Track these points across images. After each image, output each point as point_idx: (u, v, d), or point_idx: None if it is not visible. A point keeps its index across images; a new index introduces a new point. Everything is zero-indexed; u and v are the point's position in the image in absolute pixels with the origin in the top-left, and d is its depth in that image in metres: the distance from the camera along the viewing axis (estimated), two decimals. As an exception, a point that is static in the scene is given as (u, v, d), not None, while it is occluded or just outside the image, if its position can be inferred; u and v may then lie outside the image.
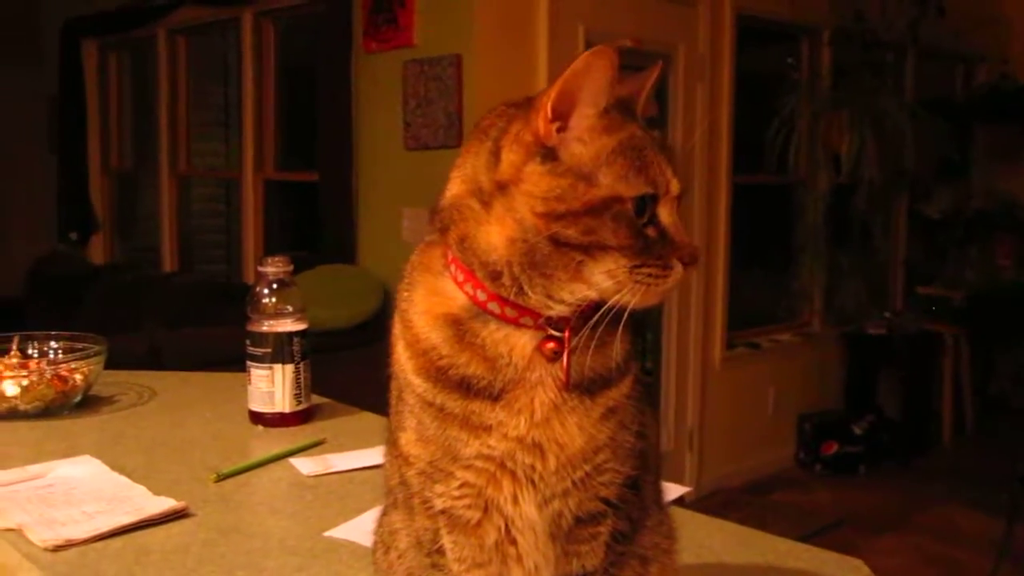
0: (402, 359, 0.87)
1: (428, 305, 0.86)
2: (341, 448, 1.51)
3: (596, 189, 0.80)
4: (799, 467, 5.65)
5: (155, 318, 4.81)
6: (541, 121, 0.81)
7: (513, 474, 0.84)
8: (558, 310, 0.82)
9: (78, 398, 1.74)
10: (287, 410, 1.62)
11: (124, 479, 1.35)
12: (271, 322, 1.59)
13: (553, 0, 4.21)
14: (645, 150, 0.82)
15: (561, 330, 0.83)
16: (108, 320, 5.03)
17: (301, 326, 1.62)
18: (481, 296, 0.83)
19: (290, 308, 1.61)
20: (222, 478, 1.37)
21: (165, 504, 1.25)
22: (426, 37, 4.27)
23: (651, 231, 0.81)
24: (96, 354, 1.76)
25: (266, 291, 1.60)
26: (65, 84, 6.57)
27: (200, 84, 6.26)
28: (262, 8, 5.32)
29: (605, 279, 0.80)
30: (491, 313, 0.83)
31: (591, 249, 0.79)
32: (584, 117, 0.82)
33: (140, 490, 1.31)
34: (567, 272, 0.81)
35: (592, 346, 0.82)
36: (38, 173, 6.80)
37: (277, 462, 1.45)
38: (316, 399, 1.71)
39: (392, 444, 0.90)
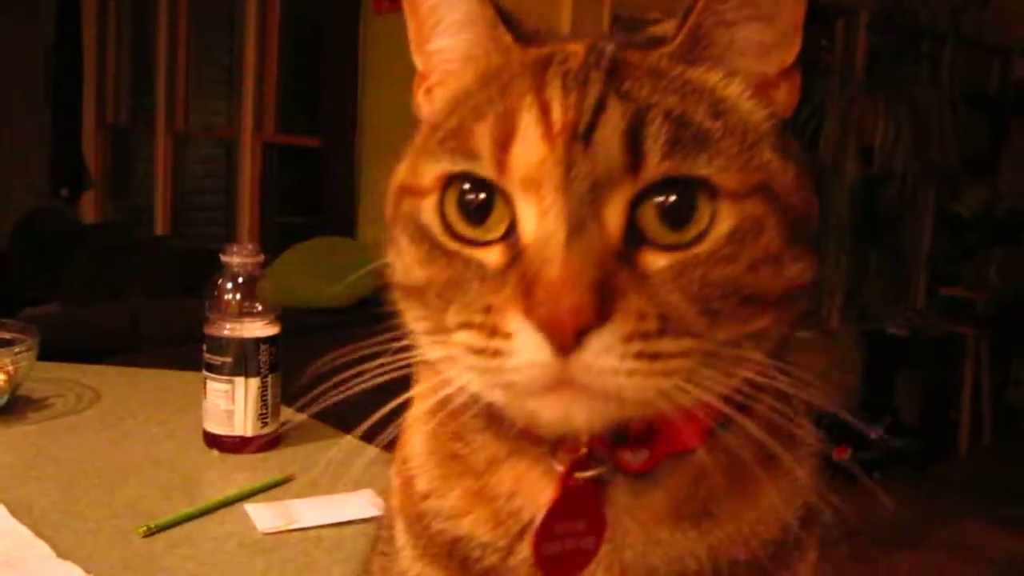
0: (393, 484, 0.55)
1: (423, 389, 0.52)
2: (312, 488, 1.20)
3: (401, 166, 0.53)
4: (810, 471, 5.39)
5: (140, 284, 4.55)
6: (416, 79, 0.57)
7: None
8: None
9: (2, 400, 1.45)
10: (249, 433, 1.32)
11: (24, 531, 1.04)
12: (234, 324, 1.30)
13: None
14: (487, 100, 0.48)
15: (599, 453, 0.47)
16: (93, 284, 4.78)
17: (272, 330, 1.32)
18: None
19: (259, 307, 1.31)
20: (152, 532, 1.07)
21: (65, 576, 0.94)
22: (442, -3, 3.97)
23: (491, 255, 0.45)
24: (26, 348, 1.46)
25: (229, 286, 1.31)
26: (61, 33, 6.24)
27: (205, 39, 5.96)
28: (269, -40, 5.02)
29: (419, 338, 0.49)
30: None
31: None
32: (439, 54, 0.54)
33: (41, 549, 0.99)
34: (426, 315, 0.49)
35: (700, 491, 0.47)
36: (33, 127, 6.47)
37: (229, 507, 1.16)
38: (288, 414, 1.42)
39: None
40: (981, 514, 4.54)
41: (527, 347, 0.42)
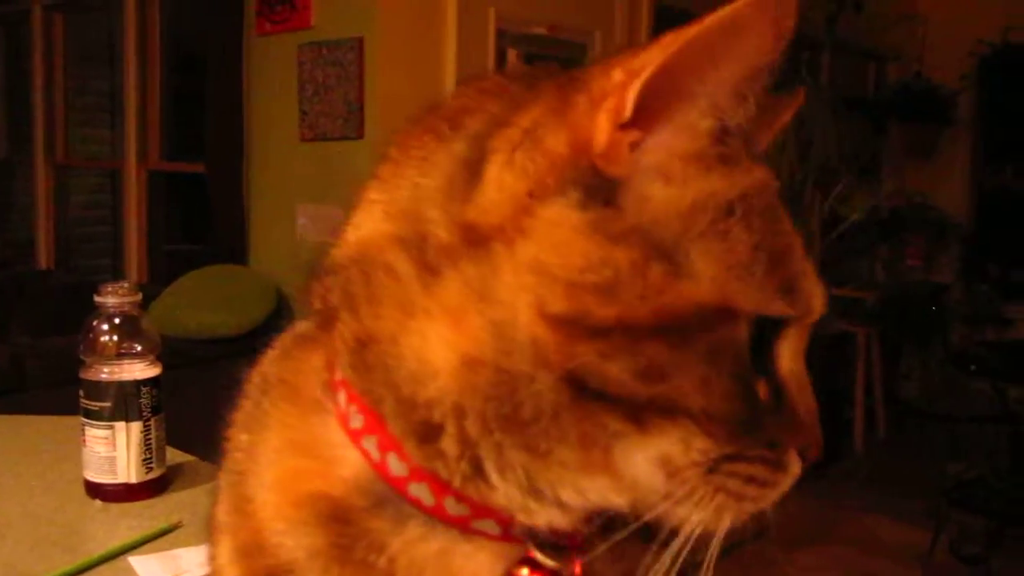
0: (227, 575, 0.48)
1: (285, 471, 0.47)
2: (202, 535, 1.17)
3: (689, 283, 0.40)
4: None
5: (24, 322, 4.39)
6: (601, 119, 0.42)
7: None
8: (548, 517, 0.43)
9: None
10: (133, 480, 1.26)
11: None
12: (112, 368, 1.24)
13: (464, -19, 3.91)
14: (782, 223, 0.44)
15: (558, 552, 0.44)
16: (-27, 324, 4.60)
17: (153, 371, 1.26)
18: (396, 466, 0.44)
19: (138, 348, 1.26)
20: (30, 594, 1.02)
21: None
22: (325, 18, 3.92)
23: (762, 388, 0.42)
24: None
25: (105, 327, 1.25)
26: (-71, 63, 6.02)
27: (83, 66, 5.80)
28: (146, -17, 4.91)
29: (654, 473, 0.41)
30: (414, 502, 0.44)
31: (645, 411, 0.40)
32: (687, 131, 0.42)
33: (-95, 622, 0.95)
34: (583, 451, 0.40)
35: None
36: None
37: (113, 561, 1.10)
38: (175, 455, 1.37)
39: None
40: (881, 508, 4.65)
41: (791, 478, 0.44)
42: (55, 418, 1.60)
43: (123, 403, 1.25)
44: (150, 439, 1.27)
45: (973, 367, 4.46)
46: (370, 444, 0.45)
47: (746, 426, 0.42)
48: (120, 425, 1.25)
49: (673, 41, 0.41)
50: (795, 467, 0.45)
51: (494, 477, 0.42)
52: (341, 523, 0.45)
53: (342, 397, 0.46)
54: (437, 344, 0.41)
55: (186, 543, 1.15)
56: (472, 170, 0.43)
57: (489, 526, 0.44)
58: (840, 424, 5.70)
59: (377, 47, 3.75)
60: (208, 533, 0.53)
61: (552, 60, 4.63)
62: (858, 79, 6.63)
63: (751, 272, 0.42)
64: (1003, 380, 4.18)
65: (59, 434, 1.53)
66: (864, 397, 5.81)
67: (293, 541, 0.46)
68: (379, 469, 0.45)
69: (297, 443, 0.48)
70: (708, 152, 0.44)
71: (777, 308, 0.43)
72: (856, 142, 5.73)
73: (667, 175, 0.43)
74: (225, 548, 0.50)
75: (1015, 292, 6.18)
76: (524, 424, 0.40)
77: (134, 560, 1.11)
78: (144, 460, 1.27)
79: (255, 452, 0.49)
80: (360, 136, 3.76)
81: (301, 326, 0.52)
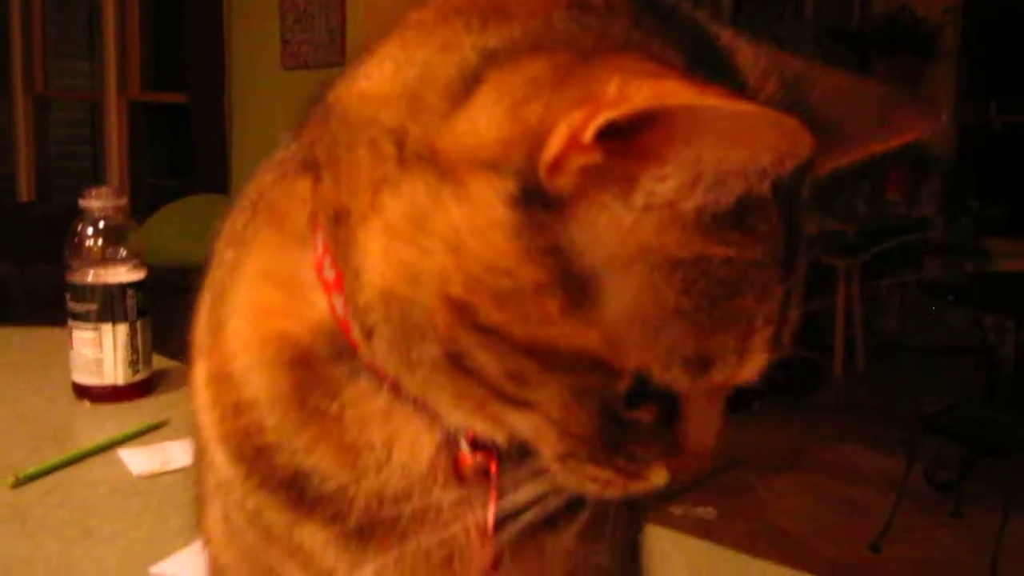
0: (201, 397, 0.49)
1: (257, 305, 0.47)
2: (187, 431, 1.19)
3: (580, 328, 0.38)
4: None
5: (7, 252, 4.39)
6: (561, 128, 0.36)
7: None
8: (455, 423, 0.45)
9: None
10: (120, 382, 1.29)
11: None
12: (98, 270, 1.26)
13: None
14: (741, 299, 0.39)
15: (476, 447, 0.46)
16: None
17: (138, 275, 1.28)
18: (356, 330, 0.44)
19: (123, 253, 1.28)
20: (22, 482, 1.04)
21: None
22: (305, -56, 3.88)
23: (644, 414, 0.42)
24: None
25: (90, 231, 1.26)
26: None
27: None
28: (123, -91, 4.84)
29: (526, 430, 0.42)
30: (368, 363, 0.45)
31: (510, 400, 0.41)
32: (658, 181, 0.37)
33: (-98, 504, 0.98)
34: (464, 400, 0.42)
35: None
36: None
37: (101, 455, 1.13)
38: (161, 361, 1.39)
39: (197, 520, 0.55)
40: (857, 437, 4.71)
41: (646, 487, 0.44)
42: (41, 329, 1.62)
43: (109, 305, 1.27)
44: (136, 341, 1.30)
45: (951, 297, 4.51)
46: (338, 301, 0.44)
47: (603, 443, 0.42)
48: (107, 327, 1.27)
49: (673, 93, 0.35)
50: (657, 479, 0.44)
51: (408, 383, 0.43)
52: (304, 368, 0.46)
53: (320, 242, 0.45)
54: (373, 251, 0.41)
55: (172, 439, 1.18)
56: (467, 90, 0.39)
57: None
58: (821, 354, 5.77)
59: (359, -27, 3.73)
60: (189, 349, 0.52)
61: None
62: (843, 11, 6.59)
63: (656, 338, 0.39)
64: (980, 309, 4.23)
65: (47, 343, 1.55)
66: (845, 328, 5.86)
67: (257, 380, 0.46)
68: (342, 325, 0.45)
69: (273, 274, 0.48)
70: (678, 211, 0.38)
71: (668, 378, 0.40)
72: (839, 75, 5.74)
73: (623, 207, 0.38)
74: (201, 369, 0.50)
75: (995, 226, 6.22)
76: (413, 363, 0.41)
77: (123, 453, 1.14)
78: (131, 362, 1.29)
79: (236, 273, 0.49)
80: (343, 63, 3.71)
81: (289, 151, 0.51)
